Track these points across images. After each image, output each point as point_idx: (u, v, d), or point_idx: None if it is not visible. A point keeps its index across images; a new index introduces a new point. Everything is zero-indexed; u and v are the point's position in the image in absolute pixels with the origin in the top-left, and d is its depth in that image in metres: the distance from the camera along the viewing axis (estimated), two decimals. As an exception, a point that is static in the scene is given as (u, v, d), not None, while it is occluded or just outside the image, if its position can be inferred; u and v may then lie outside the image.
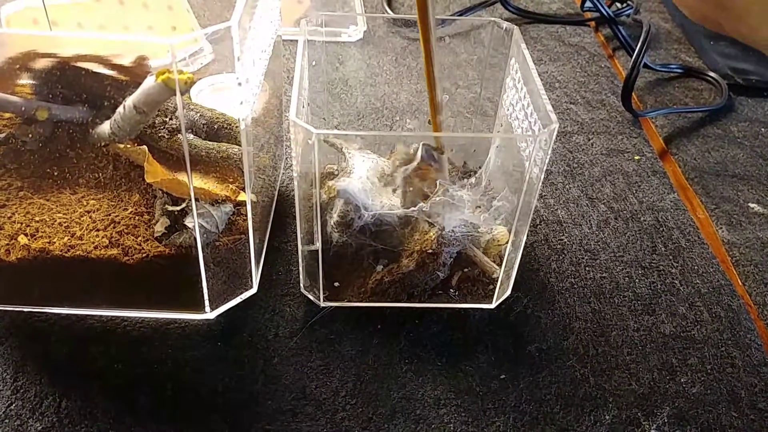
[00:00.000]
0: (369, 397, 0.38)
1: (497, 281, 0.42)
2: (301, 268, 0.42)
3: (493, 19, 0.46)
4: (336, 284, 0.42)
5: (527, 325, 0.43)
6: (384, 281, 0.41)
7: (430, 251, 0.39)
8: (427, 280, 0.41)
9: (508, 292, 0.44)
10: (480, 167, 0.46)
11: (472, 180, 0.45)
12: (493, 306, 0.43)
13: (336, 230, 0.40)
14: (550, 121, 0.36)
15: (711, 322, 0.44)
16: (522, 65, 0.42)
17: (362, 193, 0.39)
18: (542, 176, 0.37)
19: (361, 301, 0.42)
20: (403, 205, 0.40)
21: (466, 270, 0.42)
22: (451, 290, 0.42)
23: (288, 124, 0.36)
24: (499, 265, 0.41)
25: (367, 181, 0.40)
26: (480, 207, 0.41)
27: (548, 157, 0.37)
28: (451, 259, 0.41)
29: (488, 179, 0.45)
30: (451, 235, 0.39)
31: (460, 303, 0.43)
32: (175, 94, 0.32)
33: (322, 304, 0.42)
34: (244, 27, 0.33)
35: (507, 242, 0.40)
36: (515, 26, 0.44)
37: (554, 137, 0.36)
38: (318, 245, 0.40)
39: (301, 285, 0.43)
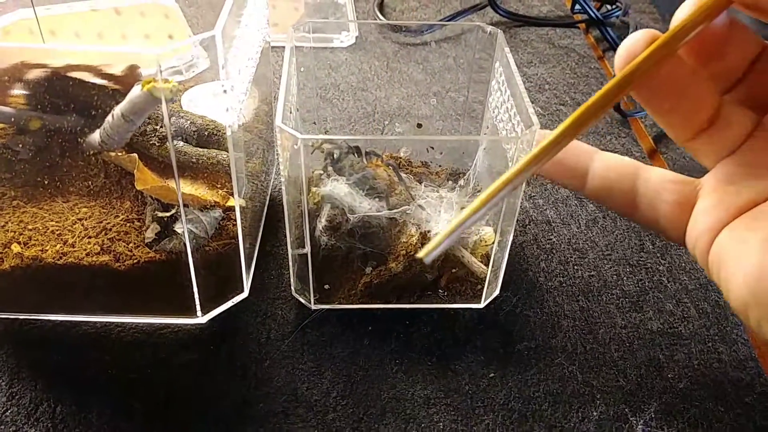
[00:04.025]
0: (360, 397, 0.39)
1: (485, 281, 0.42)
2: (291, 272, 0.43)
3: (478, 23, 0.47)
4: (326, 287, 0.43)
5: (516, 324, 0.43)
6: (373, 283, 0.41)
7: (416, 254, 0.40)
8: (415, 281, 0.42)
9: (497, 292, 0.44)
10: (468, 170, 0.46)
11: (461, 182, 0.45)
12: (482, 306, 0.44)
13: (324, 234, 0.40)
14: (532, 122, 0.36)
15: (698, 318, 0.44)
16: (506, 68, 0.42)
17: (349, 197, 0.39)
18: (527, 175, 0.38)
19: (351, 303, 0.43)
20: (387, 207, 0.41)
21: (454, 270, 0.42)
22: (440, 291, 0.43)
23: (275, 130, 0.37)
24: (487, 265, 0.42)
25: (353, 185, 0.40)
26: (464, 208, 0.42)
27: None
28: (439, 261, 0.41)
29: (476, 181, 0.45)
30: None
31: (449, 303, 0.43)
32: (160, 103, 0.32)
33: (314, 307, 0.43)
34: (228, 35, 0.34)
35: (493, 242, 0.41)
36: (499, 30, 0.45)
37: (536, 138, 0.37)
38: (307, 249, 0.40)
39: (292, 288, 0.44)
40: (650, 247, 0.50)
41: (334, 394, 0.39)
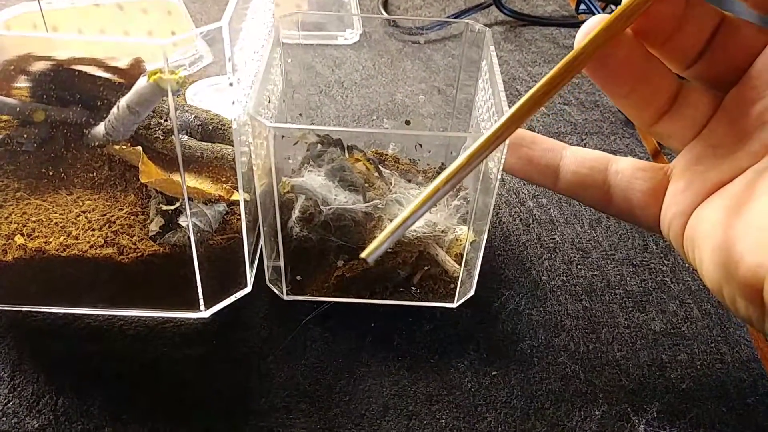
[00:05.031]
0: (362, 393, 0.39)
1: (458, 280, 0.42)
2: (266, 262, 0.43)
3: (467, 21, 0.47)
4: (298, 278, 0.43)
5: (519, 322, 0.43)
6: (345, 277, 0.41)
7: (389, 249, 0.40)
8: (387, 277, 0.42)
9: (472, 292, 0.44)
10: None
11: None
12: (455, 305, 0.43)
13: (297, 225, 0.40)
14: None
15: (701, 319, 0.44)
16: (490, 67, 0.42)
17: (323, 188, 0.39)
18: (500, 176, 0.37)
19: (324, 296, 0.43)
20: (363, 201, 0.40)
21: (427, 268, 0.42)
22: (413, 288, 0.43)
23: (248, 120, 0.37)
24: (461, 264, 0.42)
25: (328, 176, 0.40)
26: (435, 207, 0.42)
27: (504, 157, 0.36)
28: (413, 258, 0.41)
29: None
30: (412, 234, 0.40)
31: (421, 301, 0.43)
32: (166, 94, 0.32)
33: (286, 298, 0.43)
34: (235, 28, 0.34)
35: (466, 241, 0.41)
36: (487, 29, 0.45)
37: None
38: (279, 239, 0.40)
39: (267, 278, 0.44)
40: (654, 247, 0.50)
41: (337, 390, 0.39)
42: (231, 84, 0.34)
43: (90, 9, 0.56)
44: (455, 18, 0.79)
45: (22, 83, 0.37)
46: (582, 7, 0.80)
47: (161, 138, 0.39)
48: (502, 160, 0.36)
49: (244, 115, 0.37)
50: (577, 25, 0.80)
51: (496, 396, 0.39)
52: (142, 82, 0.33)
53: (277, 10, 0.47)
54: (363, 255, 0.27)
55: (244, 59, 0.36)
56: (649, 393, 0.39)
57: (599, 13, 0.77)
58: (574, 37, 0.85)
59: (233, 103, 0.35)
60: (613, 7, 0.81)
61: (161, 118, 0.39)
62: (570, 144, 0.36)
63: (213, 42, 0.32)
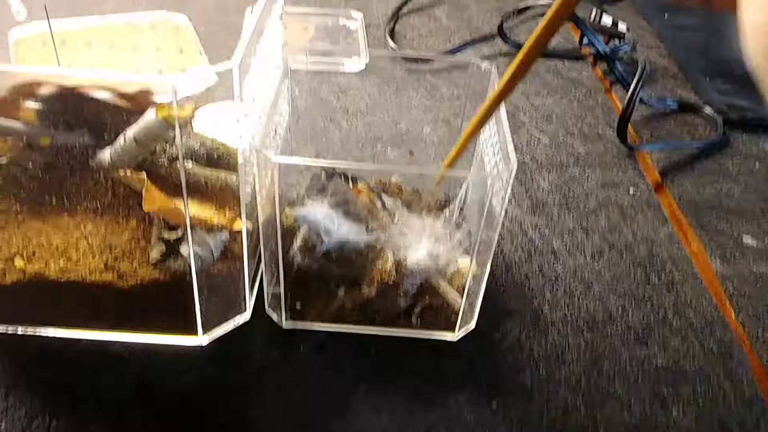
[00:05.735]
0: (361, 424, 0.38)
1: (459, 312, 0.42)
2: (266, 289, 0.43)
3: (472, 59, 0.47)
4: (298, 306, 0.42)
5: (520, 354, 0.43)
6: (345, 306, 0.41)
7: (390, 282, 0.40)
8: (388, 307, 0.41)
9: (473, 324, 0.43)
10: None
11: (446, 212, 0.45)
12: (455, 338, 0.43)
13: (298, 254, 0.40)
14: (509, 160, 0.36)
15: (703, 355, 0.44)
16: None
17: (327, 219, 0.39)
18: (503, 212, 0.37)
19: (323, 324, 0.43)
20: (366, 232, 0.40)
21: (429, 299, 0.42)
22: (414, 318, 0.42)
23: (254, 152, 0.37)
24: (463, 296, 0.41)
25: (333, 208, 0.40)
26: (438, 239, 0.42)
27: (507, 194, 0.36)
28: (415, 289, 0.41)
29: (463, 213, 0.45)
30: (414, 266, 0.40)
31: (422, 332, 0.43)
32: (174, 128, 0.32)
33: (284, 326, 0.43)
34: (245, 66, 0.34)
35: (469, 273, 0.41)
36: (493, 66, 0.45)
37: (513, 176, 0.36)
38: (280, 268, 0.40)
39: (266, 305, 0.43)
40: (656, 281, 0.49)
41: (335, 420, 0.38)
42: (238, 121, 0.34)
43: (99, 25, 0.56)
44: (460, 48, 0.80)
45: (29, 106, 0.37)
46: (585, 40, 0.81)
47: (166, 164, 0.39)
48: (506, 197, 0.36)
49: (250, 148, 0.37)
50: (581, 57, 0.81)
51: (496, 429, 0.38)
52: (150, 116, 0.33)
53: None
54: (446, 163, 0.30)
55: (252, 95, 0.37)
56: (651, 428, 0.39)
57: (602, 45, 0.78)
58: (577, 69, 0.86)
59: (240, 137, 0.35)
60: (616, 41, 0.82)
61: (166, 143, 0.39)
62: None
63: (222, 75, 0.32)
